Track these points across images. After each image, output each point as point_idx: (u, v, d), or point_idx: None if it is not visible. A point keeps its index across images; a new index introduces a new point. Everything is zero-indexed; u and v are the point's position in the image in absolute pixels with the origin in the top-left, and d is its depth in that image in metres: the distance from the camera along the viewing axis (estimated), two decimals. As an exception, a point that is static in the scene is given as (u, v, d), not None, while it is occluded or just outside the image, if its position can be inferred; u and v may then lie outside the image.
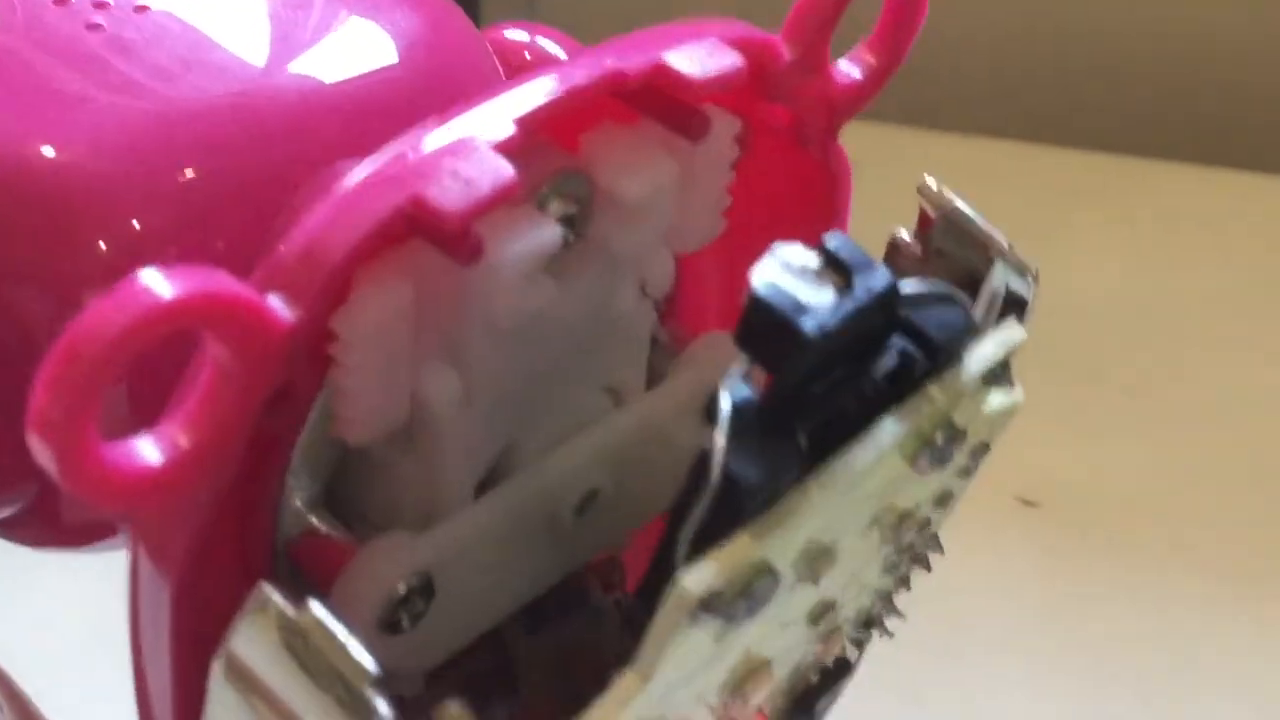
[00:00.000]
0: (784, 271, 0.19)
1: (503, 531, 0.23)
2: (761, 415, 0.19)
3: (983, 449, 0.24)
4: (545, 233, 0.21)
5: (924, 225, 0.25)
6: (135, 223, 0.24)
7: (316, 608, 0.18)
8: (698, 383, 0.24)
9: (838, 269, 0.19)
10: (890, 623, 0.28)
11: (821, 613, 0.23)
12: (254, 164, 0.24)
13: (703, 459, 0.18)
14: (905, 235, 0.25)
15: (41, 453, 0.18)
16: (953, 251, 0.24)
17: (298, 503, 0.22)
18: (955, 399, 0.21)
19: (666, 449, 0.25)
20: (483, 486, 0.23)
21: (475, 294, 0.21)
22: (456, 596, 0.23)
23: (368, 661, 0.18)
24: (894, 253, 0.25)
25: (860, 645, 0.28)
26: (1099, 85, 0.58)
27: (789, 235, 0.26)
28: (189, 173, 0.24)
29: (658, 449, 0.24)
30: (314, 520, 0.23)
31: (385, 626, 0.22)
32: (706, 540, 0.18)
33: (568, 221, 0.22)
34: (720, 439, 0.18)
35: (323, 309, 0.19)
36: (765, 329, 0.19)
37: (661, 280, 0.24)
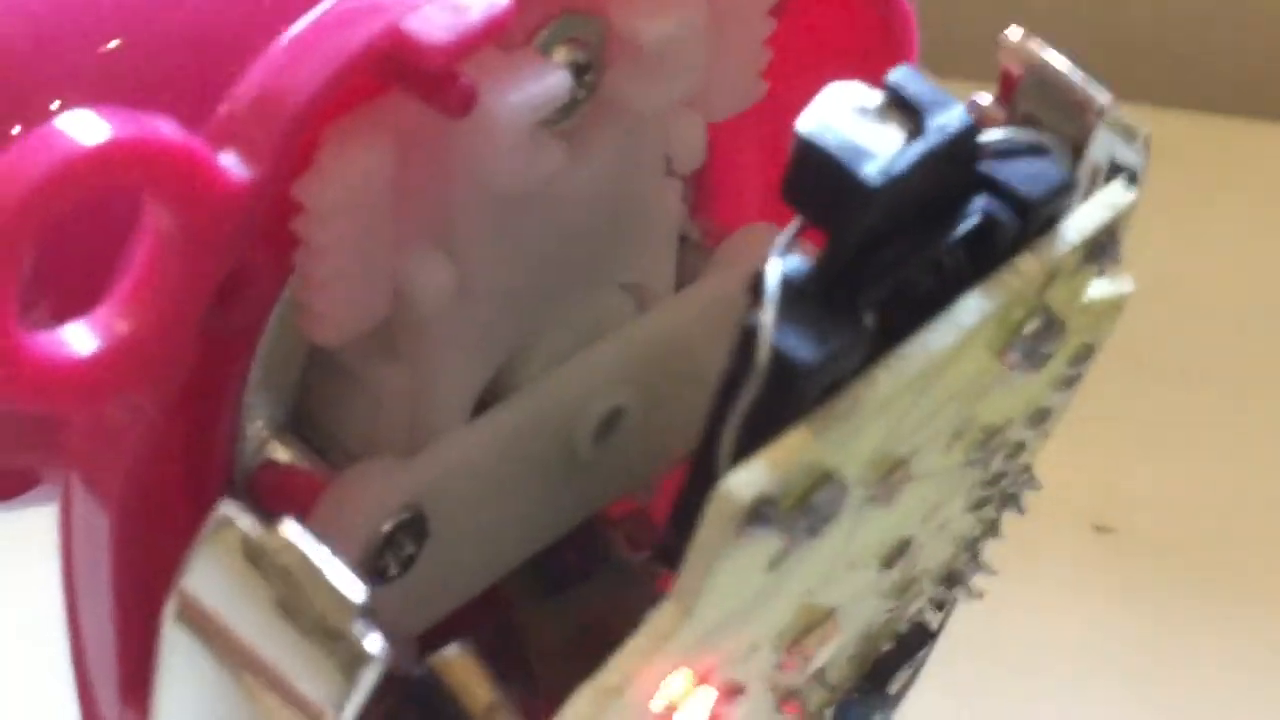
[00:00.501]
0: (839, 113, 0.19)
1: (509, 458, 0.23)
2: (818, 286, 0.18)
3: (1085, 353, 0.24)
4: (550, 79, 0.21)
5: (1007, 86, 0.24)
6: (54, 105, 0.24)
7: (289, 527, 0.18)
8: (737, 281, 0.24)
9: (904, 109, 0.19)
10: (978, 582, 0.28)
11: (897, 554, 0.23)
12: (194, 27, 0.24)
13: (747, 337, 0.18)
14: (985, 99, 0.25)
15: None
16: (1044, 116, 0.24)
17: (258, 424, 0.22)
18: (1050, 273, 0.20)
19: (701, 362, 0.24)
20: (481, 409, 0.23)
21: (468, 157, 0.20)
22: (454, 538, 0.23)
23: (354, 589, 0.18)
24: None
25: (942, 608, 0.27)
26: (1184, 35, 0.58)
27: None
28: (113, 42, 0.24)
29: (690, 361, 0.24)
30: (278, 447, 0.23)
31: (369, 573, 0.22)
32: (754, 439, 0.18)
33: (577, 72, 0.21)
34: (768, 313, 0.18)
35: (283, 170, 0.19)
36: (817, 179, 0.18)
37: (691, 152, 0.23)
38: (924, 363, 0.19)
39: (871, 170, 0.18)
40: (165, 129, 0.18)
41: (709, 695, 0.20)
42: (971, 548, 0.27)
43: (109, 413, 0.19)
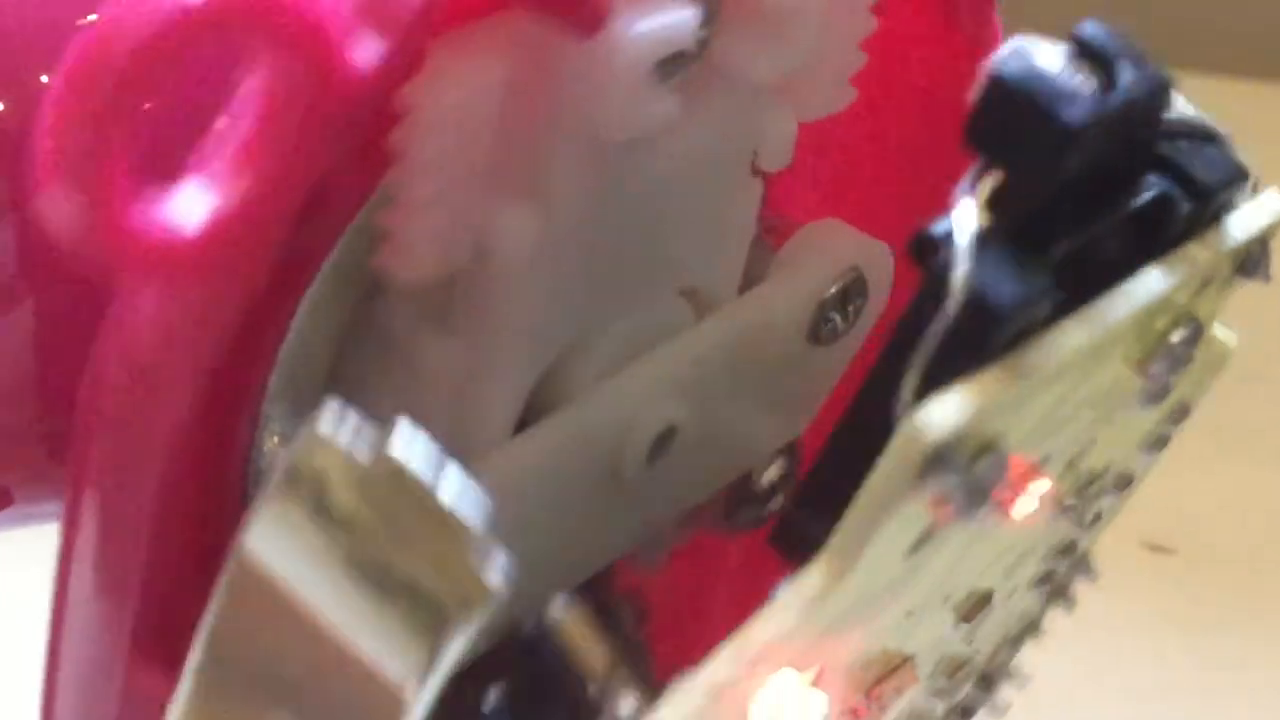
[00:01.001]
0: (1029, 55, 0.19)
1: (548, 482, 0.23)
2: (1005, 233, 0.19)
3: (1180, 413, 0.24)
4: (679, 15, 0.21)
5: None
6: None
7: (407, 431, 0.18)
8: (807, 285, 0.25)
9: (1093, 60, 0.20)
10: (1005, 694, 0.28)
11: (976, 608, 0.23)
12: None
13: (938, 277, 0.18)
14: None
15: (57, 206, 0.17)
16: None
17: (274, 440, 0.22)
18: (1206, 276, 0.21)
19: (764, 375, 0.25)
20: (518, 430, 0.23)
21: (581, 93, 0.21)
22: None
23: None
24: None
25: (966, 716, 0.27)
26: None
27: (908, 132, 0.27)
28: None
29: (753, 374, 0.24)
30: None
31: None
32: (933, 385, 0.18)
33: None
34: (964, 248, 0.18)
35: (403, 62, 0.19)
36: (1013, 118, 0.19)
37: (781, 147, 0.24)
38: (1106, 328, 0.19)
39: (1073, 111, 0.19)
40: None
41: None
42: (1014, 643, 0.27)
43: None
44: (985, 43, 0.26)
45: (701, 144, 0.23)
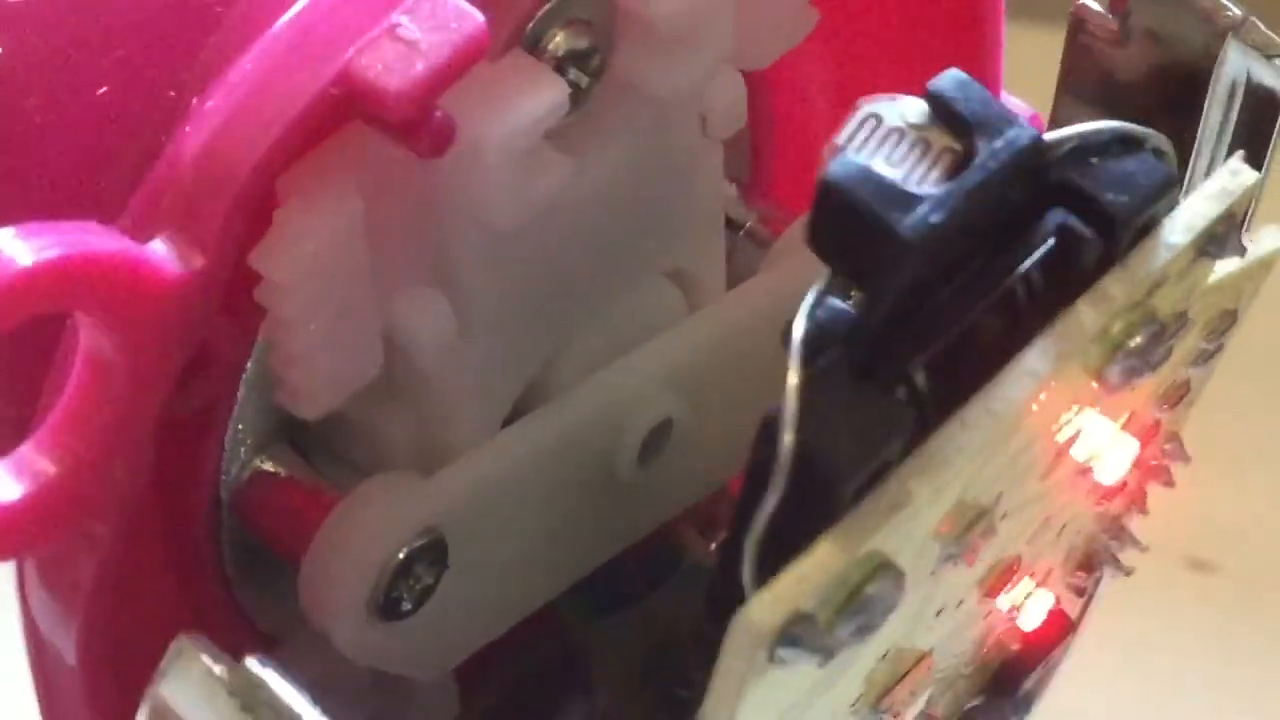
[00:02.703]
0: (873, 139, 0.19)
1: (541, 477, 0.24)
2: (854, 349, 0.19)
3: (1226, 321, 0.24)
4: (544, 94, 0.21)
5: (1122, -10, 0.24)
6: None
7: (256, 666, 0.19)
8: (804, 272, 0.25)
9: (953, 126, 0.19)
10: (1127, 556, 0.28)
11: (1003, 579, 0.24)
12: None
13: (769, 427, 0.19)
14: (1095, 5, 0.25)
15: None
16: (1164, 29, 0.24)
17: (247, 444, 0.23)
18: (1153, 284, 0.21)
19: (763, 365, 0.25)
20: (514, 416, 0.24)
21: (456, 191, 0.21)
22: (476, 569, 0.23)
23: None
24: (1079, 31, 0.25)
25: (1082, 593, 0.28)
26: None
27: (922, 47, 0.26)
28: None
29: (751, 365, 0.24)
30: (268, 459, 0.23)
31: (379, 608, 0.23)
32: (784, 544, 0.19)
33: (579, 59, 0.22)
34: (791, 402, 0.18)
35: (233, 246, 0.20)
36: (846, 230, 0.19)
37: (729, 111, 0.24)
38: (989, 430, 0.20)
39: (909, 220, 0.18)
40: (92, 240, 0.19)
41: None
42: (1113, 526, 0.27)
43: (56, 549, 0.20)
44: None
45: (628, 151, 0.23)
